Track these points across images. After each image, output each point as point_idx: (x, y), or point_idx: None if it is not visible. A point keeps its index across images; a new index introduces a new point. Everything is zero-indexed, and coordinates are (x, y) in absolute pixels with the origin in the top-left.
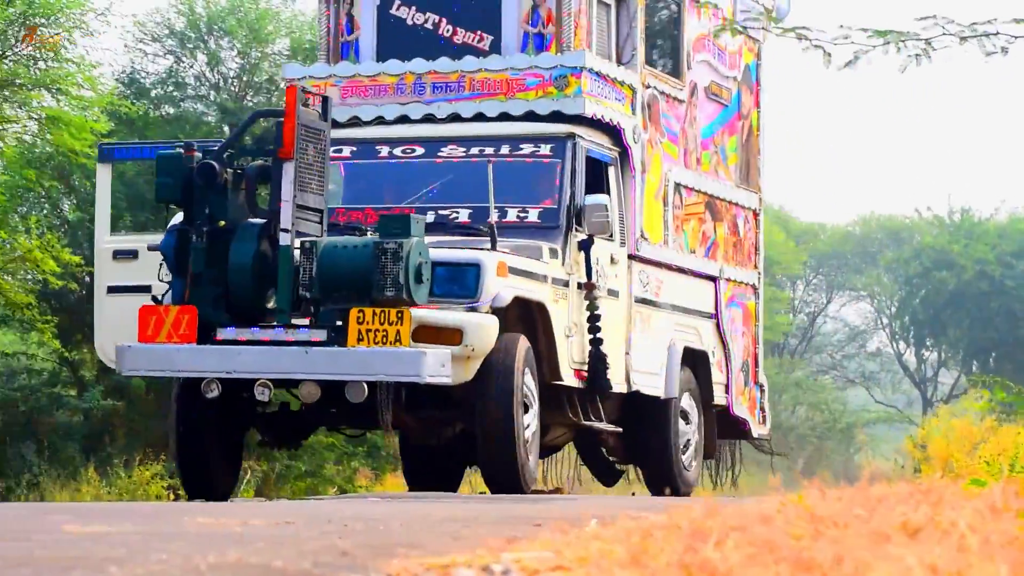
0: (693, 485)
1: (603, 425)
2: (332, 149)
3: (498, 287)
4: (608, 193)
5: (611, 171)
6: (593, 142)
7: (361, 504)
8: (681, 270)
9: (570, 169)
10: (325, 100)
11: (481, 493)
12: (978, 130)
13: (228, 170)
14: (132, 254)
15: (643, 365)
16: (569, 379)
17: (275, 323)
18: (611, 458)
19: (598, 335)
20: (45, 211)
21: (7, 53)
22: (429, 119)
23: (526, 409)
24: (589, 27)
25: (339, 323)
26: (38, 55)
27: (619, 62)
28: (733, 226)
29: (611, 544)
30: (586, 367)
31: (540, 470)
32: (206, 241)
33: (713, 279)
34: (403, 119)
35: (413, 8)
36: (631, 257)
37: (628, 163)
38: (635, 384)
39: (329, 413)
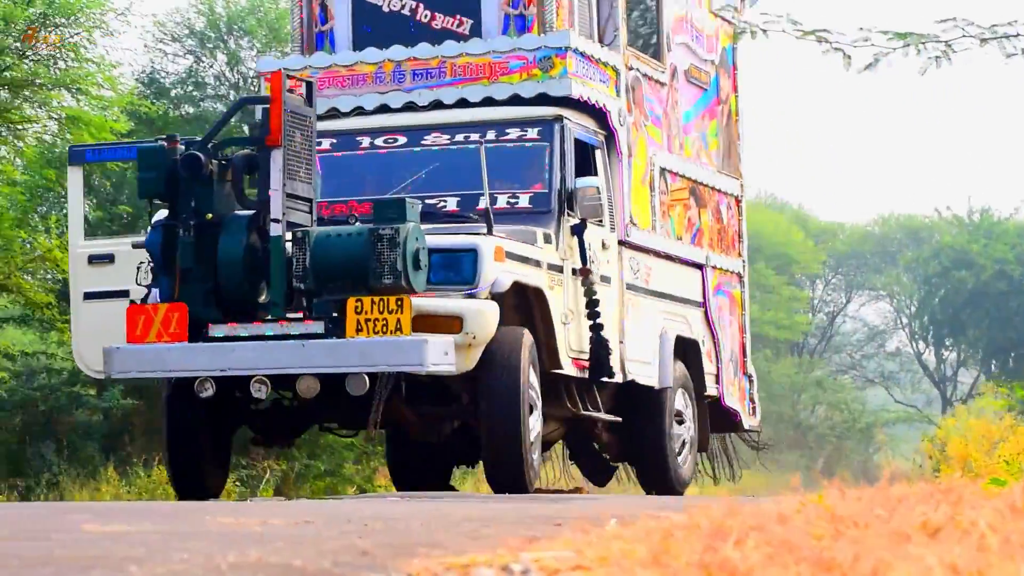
0: (688, 483)
1: (602, 415)
2: None
3: (496, 272)
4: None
5: (598, 155)
6: (580, 125)
7: (380, 503)
8: (669, 257)
9: (559, 152)
10: (309, 85)
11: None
12: (998, 130)
13: (213, 161)
14: (108, 258)
15: (636, 354)
16: (568, 368)
17: (269, 317)
18: (604, 455)
19: (598, 320)
20: (65, 211)
21: (27, 53)
22: (410, 107)
23: (531, 408)
24: (571, 7)
25: (335, 314)
26: (58, 55)
27: (601, 43)
28: (717, 213)
29: (631, 544)
30: (584, 355)
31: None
32: (193, 235)
33: (700, 267)
34: (383, 108)
35: None
36: (621, 243)
37: (615, 147)
38: (630, 373)
39: (325, 408)
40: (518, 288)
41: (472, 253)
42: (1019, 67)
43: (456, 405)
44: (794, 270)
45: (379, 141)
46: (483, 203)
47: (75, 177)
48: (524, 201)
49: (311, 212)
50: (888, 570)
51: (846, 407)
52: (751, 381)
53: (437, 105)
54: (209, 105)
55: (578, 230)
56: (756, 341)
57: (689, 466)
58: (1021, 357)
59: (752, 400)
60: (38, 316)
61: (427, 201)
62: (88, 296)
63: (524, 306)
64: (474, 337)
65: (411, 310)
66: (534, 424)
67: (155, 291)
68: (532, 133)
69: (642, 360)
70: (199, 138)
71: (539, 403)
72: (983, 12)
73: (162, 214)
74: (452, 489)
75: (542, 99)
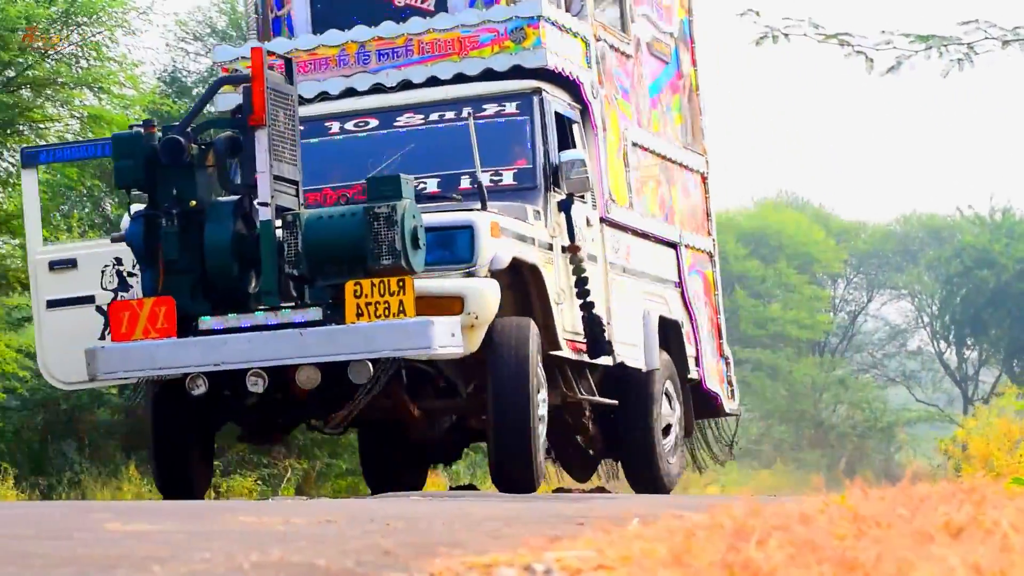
0: (677, 477)
1: (600, 399)
2: None
3: (494, 249)
4: None
5: (575, 129)
6: (557, 97)
7: (402, 503)
8: (646, 236)
9: (540, 125)
10: (288, 63)
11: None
12: (1020, 129)
13: (193, 145)
14: (70, 263)
15: (623, 336)
16: (565, 350)
17: (262, 306)
18: (589, 450)
19: (588, 299)
20: (87, 209)
21: (49, 52)
22: (378, 89)
23: (539, 400)
24: None
25: (332, 300)
26: (80, 53)
27: (567, 13)
28: (685, 190)
29: (653, 543)
30: (578, 336)
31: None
32: (177, 225)
33: (674, 246)
34: (350, 92)
35: None
36: (602, 220)
37: (590, 120)
38: (620, 356)
39: (321, 401)
40: (512, 267)
41: (468, 230)
42: None
43: (459, 398)
44: (815, 269)
45: (349, 125)
46: (476, 177)
47: (29, 180)
48: (508, 178)
49: (298, 195)
50: (911, 570)
51: (867, 406)
52: (728, 363)
53: (406, 85)
54: None
55: (565, 206)
56: (778, 340)
57: (678, 459)
58: None
59: (730, 383)
60: None
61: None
62: (52, 304)
63: (518, 285)
64: (476, 317)
65: (414, 291)
66: (543, 416)
67: (122, 295)
68: (511, 107)
69: (629, 342)
70: (176, 123)
71: (545, 399)
72: (1005, 14)
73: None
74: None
75: (516, 72)
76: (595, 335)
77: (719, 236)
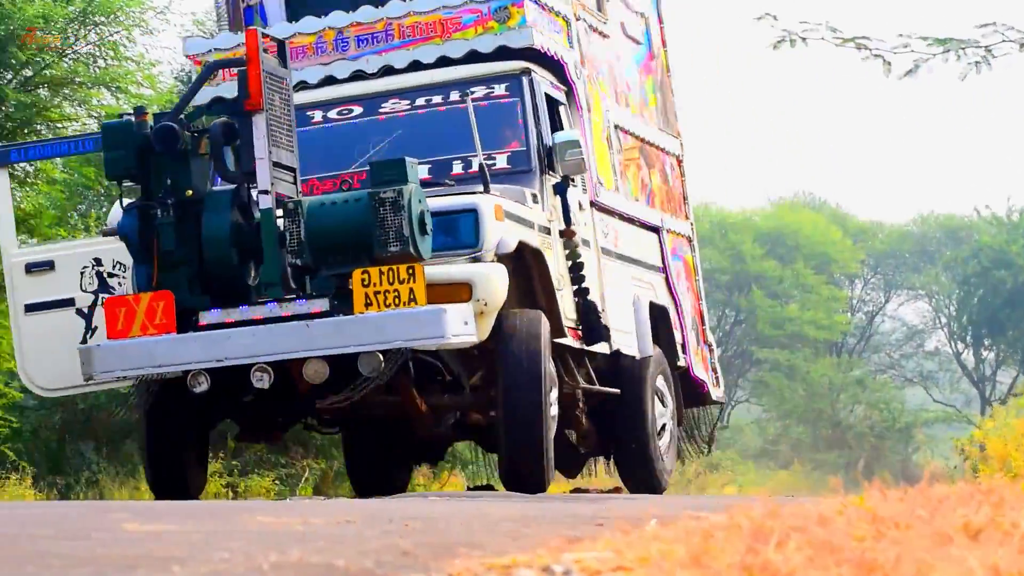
0: (670, 474)
1: (601, 387)
2: None
3: (499, 232)
4: None
5: (562, 110)
6: (544, 78)
7: (421, 503)
8: (631, 220)
9: (531, 107)
10: (281, 45)
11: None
12: None
13: (186, 133)
14: (47, 265)
15: (617, 322)
16: (568, 337)
17: (265, 299)
18: (579, 447)
19: (584, 284)
20: (104, 209)
21: (66, 51)
22: (359, 76)
23: (551, 392)
24: None
25: (338, 289)
26: (97, 53)
27: None
28: (663, 173)
29: (672, 544)
30: (575, 323)
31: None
32: (173, 216)
33: (656, 230)
34: (329, 81)
35: None
36: (592, 204)
37: (575, 102)
38: (615, 343)
39: (325, 395)
40: (515, 252)
41: (472, 214)
42: None
43: (465, 393)
44: (833, 269)
45: (332, 114)
46: (479, 160)
47: (1, 179)
48: (502, 161)
49: (296, 182)
50: (930, 572)
51: (885, 407)
52: (711, 350)
53: (388, 71)
54: None
55: (561, 188)
56: (795, 340)
57: (672, 456)
58: None
59: (715, 370)
60: None
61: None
62: (30, 308)
63: (521, 270)
64: (485, 304)
65: (424, 279)
66: (554, 411)
67: (104, 296)
68: (500, 89)
69: (622, 329)
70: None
71: (556, 386)
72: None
73: (116, 212)
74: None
75: (501, 54)
76: (591, 322)
77: (736, 236)
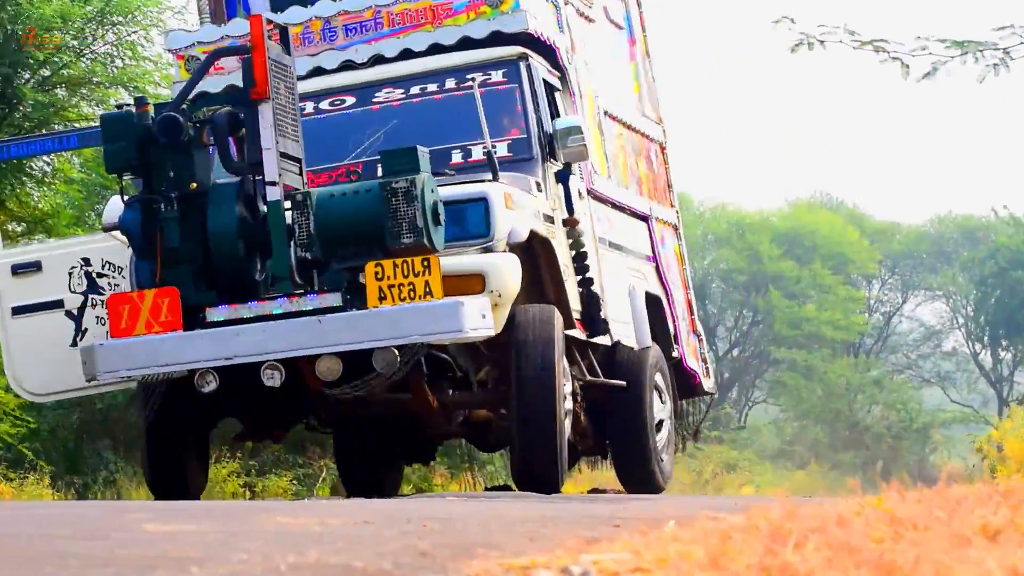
0: (670, 476)
1: (607, 380)
2: None
3: (510, 221)
4: None
5: (557, 96)
6: (540, 64)
7: (438, 503)
8: (623, 208)
9: (530, 93)
10: (284, 31)
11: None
12: None
13: (189, 124)
14: (34, 266)
15: (615, 313)
16: (576, 329)
17: (274, 294)
18: (579, 446)
19: (587, 275)
20: None
21: (84, 51)
22: (348, 66)
23: (565, 396)
24: None
25: (349, 283)
26: (115, 52)
27: None
28: (648, 160)
29: (690, 546)
30: (579, 314)
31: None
32: (177, 209)
33: (646, 218)
34: (317, 72)
35: None
36: (588, 192)
37: (568, 87)
38: (615, 334)
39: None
40: (525, 241)
41: (482, 202)
42: None
43: (474, 389)
44: (850, 270)
45: (324, 105)
46: (487, 147)
47: None
48: (503, 149)
49: (302, 173)
50: (948, 574)
51: (902, 407)
52: (700, 340)
53: (378, 60)
54: None
55: (563, 176)
56: (813, 341)
57: (670, 455)
58: None
59: (705, 360)
60: None
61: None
62: (17, 311)
63: (529, 261)
64: (500, 296)
65: (440, 271)
66: (569, 409)
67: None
68: (497, 75)
69: (620, 320)
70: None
71: (570, 382)
72: None
73: (115, 205)
74: (394, 494)
75: (494, 39)
76: (593, 313)
77: (753, 237)
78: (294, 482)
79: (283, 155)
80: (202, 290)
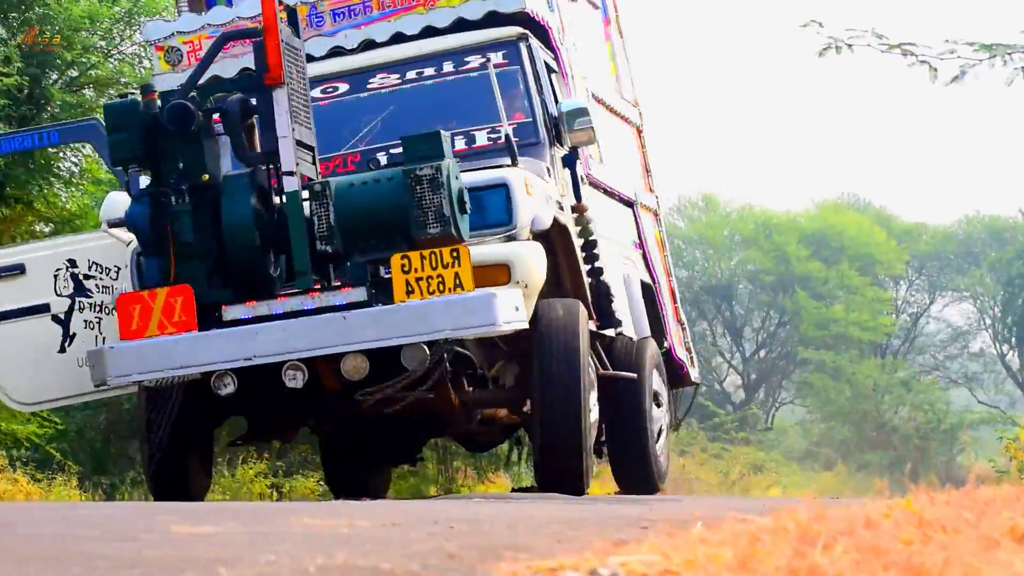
0: (666, 471)
1: (620, 372)
2: None
3: (532, 208)
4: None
5: (554, 79)
6: (539, 45)
7: (465, 505)
8: (612, 194)
9: (533, 75)
10: (292, 12)
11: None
12: None
13: (199, 112)
14: (17, 269)
15: (615, 303)
16: (592, 321)
17: (293, 290)
18: None
19: (596, 264)
20: None
21: (112, 52)
22: (337, 52)
23: (591, 393)
24: None
25: (372, 277)
26: (143, 53)
27: None
28: (627, 144)
29: (718, 548)
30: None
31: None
32: (189, 203)
33: (631, 204)
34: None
35: None
36: (585, 178)
37: (561, 68)
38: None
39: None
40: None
41: (503, 188)
42: None
43: (501, 387)
44: (877, 271)
45: (316, 93)
46: (505, 129)
47: None
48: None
49: (315, 162)
50: None
51: (930, 408)
52: (684, 329)
53: (369, 45)
54: None
55: (570, 161)
56: (840, 342)
57: (667, 455)
58: None
59: (689, 350)
60: None
61: (393, 152)
62: (1, 316)
63: (547, 249)
64: (526, 287)
65: (470, 262)
66: (594, 406)
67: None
68: (497, 57)
69: (619, 309)
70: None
71: (596, 388)
72: None
73: (114, 201)
74: (381, 496)
75: (490, 20)
76: (603, 304)
77: (781, 238)
78: (321, 483)
79: (298, 143)
80: (217, 287)
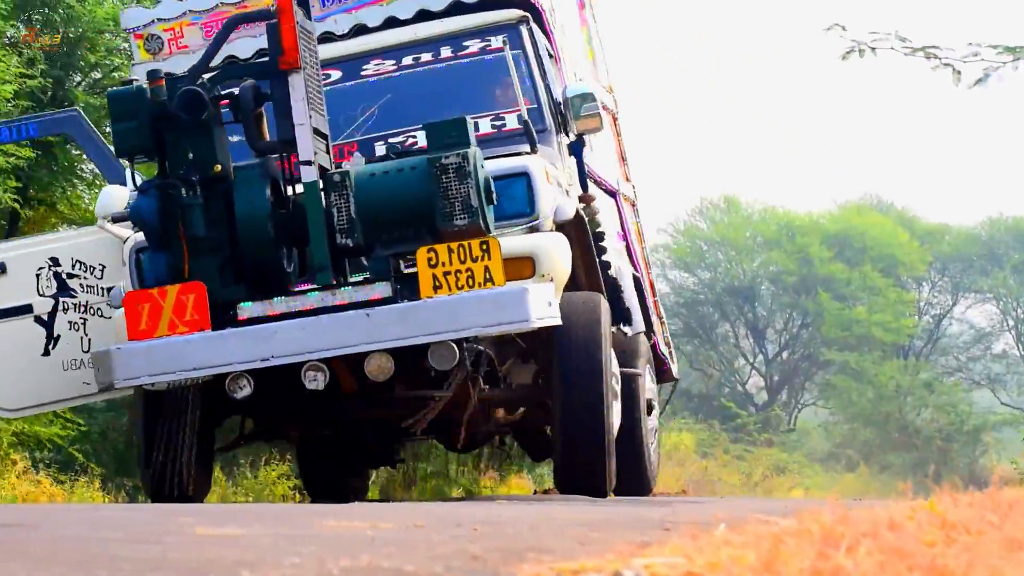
0: (656, 471)
1: (627, 369)
2: None
3: (553, 198)
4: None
5: (549, 65)
6: (538, 28)
7: (488, 506)
8: (599, 183)
9: (535, 59)
10: None
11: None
12: None
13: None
14: None
15: (625, 297)
16: None
17: (313, 286)
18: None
19: (605, 257)
20: None
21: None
22: (328, 38)
23: (613, 392)
24: None
25: (396, 272)
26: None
27: None
28: (604, 132)
29: (742, 550)
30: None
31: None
32: (200, 195)
33: (614, 194)
34: None
35: None
36: None
37: (555, 52)
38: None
39: (379, 393)
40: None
41: (524, 177)
42: None
43: (518, 386)
44: (900, 272)
45: None
46: (523, 113)
47: None
48: (512, 122)
49: (329, 152)
50: None
51: (952, 409)
52: (663, 323)
53: (360, 31)
54: None
55: (576, 149)
56: (863, 343)
57: (657, 456)
58: None
59: (669, 345)
60: None
61: (392, 141)
62: None
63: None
64: (551, 280)
65: (500, 255)
66: (616, 407)
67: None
68: (496, 42)
69: (632, 304)
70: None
71: (619, 386)
72: None
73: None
74: (361, 499)
75: (485, 3)
76: (614, 299)
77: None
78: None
79: (314, 131)
80: (230, 284)
